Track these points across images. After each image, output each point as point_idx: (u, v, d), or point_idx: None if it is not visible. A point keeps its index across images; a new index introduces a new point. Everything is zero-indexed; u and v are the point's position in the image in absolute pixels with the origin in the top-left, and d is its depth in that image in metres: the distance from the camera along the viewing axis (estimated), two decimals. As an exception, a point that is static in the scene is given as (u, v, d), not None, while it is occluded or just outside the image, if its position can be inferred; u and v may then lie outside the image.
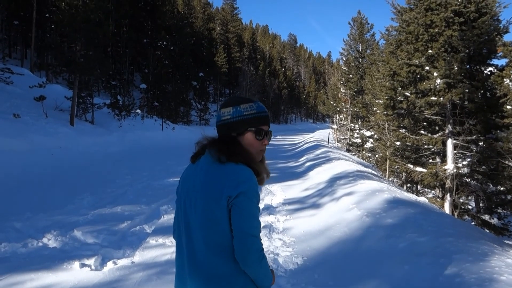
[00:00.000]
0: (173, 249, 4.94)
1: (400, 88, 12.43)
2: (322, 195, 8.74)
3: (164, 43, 34.03)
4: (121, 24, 34.45)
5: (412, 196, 8.99)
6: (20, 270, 4.19)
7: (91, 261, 4.47)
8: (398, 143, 14.12)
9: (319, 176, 11.27)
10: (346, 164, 12.98)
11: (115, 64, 34.95)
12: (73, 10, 16.52)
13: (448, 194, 11.94)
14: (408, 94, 12.10)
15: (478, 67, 11.38)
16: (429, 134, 12.80)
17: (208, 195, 1.59)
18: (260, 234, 1.63)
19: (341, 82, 33.88)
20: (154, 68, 32.09)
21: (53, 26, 21.40)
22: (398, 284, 3.90)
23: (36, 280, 4.00)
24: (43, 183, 8.71)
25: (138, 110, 25.74)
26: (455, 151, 11.83)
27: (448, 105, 11.60)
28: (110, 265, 4.49)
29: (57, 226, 5.68)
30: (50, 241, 5.09)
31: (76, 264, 4.40)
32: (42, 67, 21.27)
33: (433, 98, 11.29)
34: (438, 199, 13.39)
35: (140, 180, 9.86)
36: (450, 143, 11.86)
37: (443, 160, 12.93)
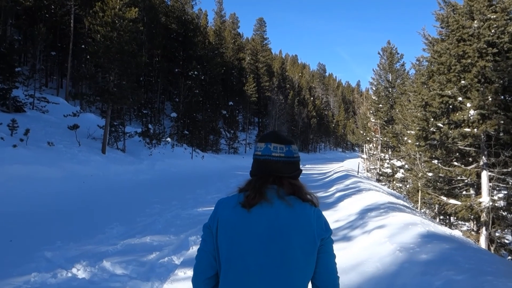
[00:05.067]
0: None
1: (432, 119, 12.19)
2: (353, 228, 8.54)
3: (195, 72, 34.83)
4: (154, 54, 35.61)
5: (446, 230, 8.68)
6: (49, 301, 4.21)
7: (119, 293, 4.46)
8: (430, 174, 13.75)
9: (350, 207, 11.05)
10: (377, 195, 12.71)
11: (147, 93, 35.95)
12: (108, 41, 17.19)
13: (484, 228, 11.46)
14: (440, 125, 11.84)
15: (513, 97, 11.09)
16: (463, 166, 12.42)
17: (304, 239, 1.53)
18: None
19: (371, 111, 33.60)
20: (184, 97, 32.77)
21: (88, 57, 22.30)
22: (435, 327, 3.70)
23: (64, 312, 4.00)
24: (74, 211, 8.87)
25: (169, 139, 26.21)
26: (490, 184, 11.42)
27: (483, 137, 11.27)
28: (137, 297, 4.46)
29: (86, 256, 5.73)
30: (80, 271, 5.12)
31: (104, 296, 4.39)
32: (77, 96, 22.08)
33: (467, 129, 11.01)
34: (473, 233, 12.88)
35: (169, 209, 9.91)
36: (485, 175, 11.46)
37: (478, 192, 12.49)
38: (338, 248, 7.04)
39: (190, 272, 5.32)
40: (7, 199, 8.55)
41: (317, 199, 1.67)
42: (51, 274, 4.95)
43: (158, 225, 8.13)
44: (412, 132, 15.02)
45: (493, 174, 11.27)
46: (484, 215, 11.29)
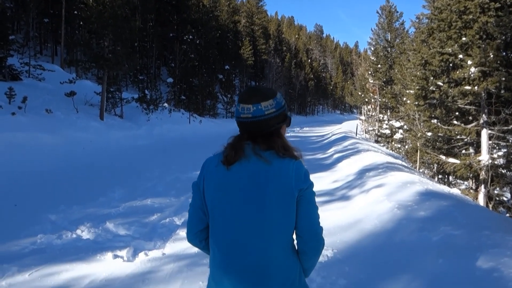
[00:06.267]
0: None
1: (432, 78, 12.08)
2: (351, 187, 8.63)
3: (190, 37, 34.23)
4: (147, 19, 34.84)
5: (444, 188, 8.77)
6: (55, 261, 4.30)
7: (123, 253, 4.54)
8: (429, 133, 13.77)
9: (348, 168, 11.12)
10: (376, 155, 12.76)
11: (142, 59, 35.44)
12: (101, 6, 16.80)
13: (482, 186, 11.59)
14: (440, 84, 11.75)
15: (515, 54, 10.94)
16: (463, 125, 12.43)
17: (281, 190, 1.57)
18: None
19: (369, 72, 33.32)
20: (180, 62, 32.34)
21: (81, 23, 21.83)
22: (433, 278, 3.79)
23: (71, 271, 4.10)
24: (75, 176, 8.92)
25: (166, 104, 26.04)
26: (490, 142, 11.45)
27: (483, 94, 11.21)
28: (141, 256, 4.55)
29: (90, 218, 5.81)
30: (84, 232, 5.21)
31: (109, 255, 4.48)
32: (72, 63, 21.72)
33: (467, 87, 10.93)
34: (472, 191, 13.03)
35: (169, 173, 9.96)
36: (485, 133, 11.48)
37: (477, 150, 12.55)
38: (337, 207, 7.15)
39: (191, 232, 5.39)
40: (9, 166, 8.57)
41: (298, 151, 1.69)
42: (56, 236, 5.03)
43: (159, 188, 8.20)
44: (411, 91, 14.93)
45: (493, 132, 11.28)
46: (483, 173, 11.39)
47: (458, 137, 12.94)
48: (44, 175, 8.60)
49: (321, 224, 1.68)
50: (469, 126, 12.20)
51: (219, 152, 1.70)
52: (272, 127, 1.66)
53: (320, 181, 9.83)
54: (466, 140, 12.90)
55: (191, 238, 1.79)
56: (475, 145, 12.92)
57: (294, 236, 1.68)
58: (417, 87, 12.68)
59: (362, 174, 9.51)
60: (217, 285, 1.62)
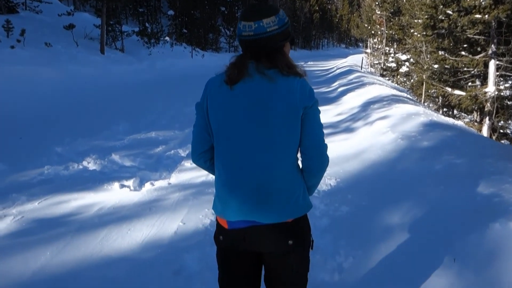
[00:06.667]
0: (208, 171, 5.05)
1: (441, 6, 11.64)
2: (355, 119, 8.62)
3: (191, -35, 32.67)
4: None
5: (449, 120, 8.75)
6: (63, 191, 4.40)
7: (129, 182, 4.64)
8: (436, 66, 13.51)
9: (352, 101, 11.05)
10: (380, 88, 12.63)
11: (141, -10, 34.13)
12: None
13: (487, 118, 11.56)
14: (450, 12, 11.34)
15: (530, -21, 10.44)
16: (470, 56, 12.15)
17: (286, 108, 1.55)
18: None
19: (377, 3, 32.05)
20: (181, -7, 31.16)
21: (76, -50, 20.84)
22: (433, 204, 3.86)
23: (79, 199, 4.20)
24: (78, 110, 8.89)
25: (167, 38, 25.44)
26: (498, 73, 11.25)
27: (493, 23, 10.85)
28: (148, 186, 4.64)
29: (95, 150, 5.86)
30: (90, 164, 5.29)
31: (116, 185, 4.57)
32: (69, -6, 21.02)
33: (477, 15, 10.56)
34: (476, 123, 13.03)
35: (172, 106, 9.92)
36: (492, 64, 11.25)
37: (484, 83, 12.39)
38: (341, 139, 7.18)
39: (196, 163, 5.47)
40: (10, 100, 8.53)
41: (302, 69, 1.66)
42: (63, 167, 5.12)
43: (163, 121, 8.22)
44: (419, 21, 14.45)
45: (501, 63, 11.07)
46: (489, 104, 11.32)
47: (465, 69, 12.71)
48: (47, 109, 8.59)
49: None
50: (477, 57, 11.94)
51: (221, 72, 1.66)
52: (275, 44, 1.60)
53: (325, 114, 9.79)
54: (473, 72, 12.69)
55: (195, 159, 1.79)
56: (481, 77, 12.73)
57: (299, 155, 1.68)
58: (426, 16, 12.28)
59: (367, 106, 9.46)
60: (223, 204, 1.64)
